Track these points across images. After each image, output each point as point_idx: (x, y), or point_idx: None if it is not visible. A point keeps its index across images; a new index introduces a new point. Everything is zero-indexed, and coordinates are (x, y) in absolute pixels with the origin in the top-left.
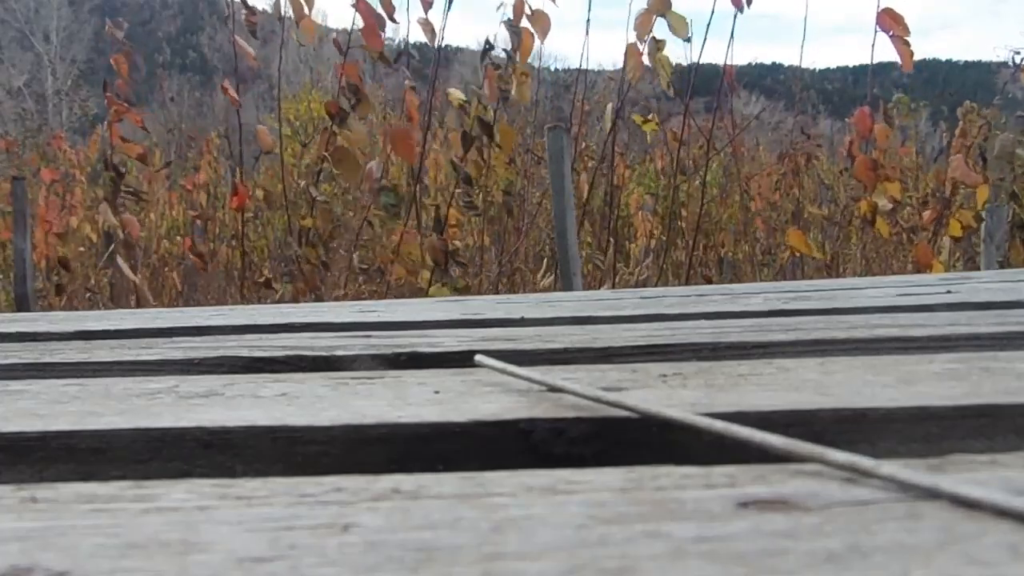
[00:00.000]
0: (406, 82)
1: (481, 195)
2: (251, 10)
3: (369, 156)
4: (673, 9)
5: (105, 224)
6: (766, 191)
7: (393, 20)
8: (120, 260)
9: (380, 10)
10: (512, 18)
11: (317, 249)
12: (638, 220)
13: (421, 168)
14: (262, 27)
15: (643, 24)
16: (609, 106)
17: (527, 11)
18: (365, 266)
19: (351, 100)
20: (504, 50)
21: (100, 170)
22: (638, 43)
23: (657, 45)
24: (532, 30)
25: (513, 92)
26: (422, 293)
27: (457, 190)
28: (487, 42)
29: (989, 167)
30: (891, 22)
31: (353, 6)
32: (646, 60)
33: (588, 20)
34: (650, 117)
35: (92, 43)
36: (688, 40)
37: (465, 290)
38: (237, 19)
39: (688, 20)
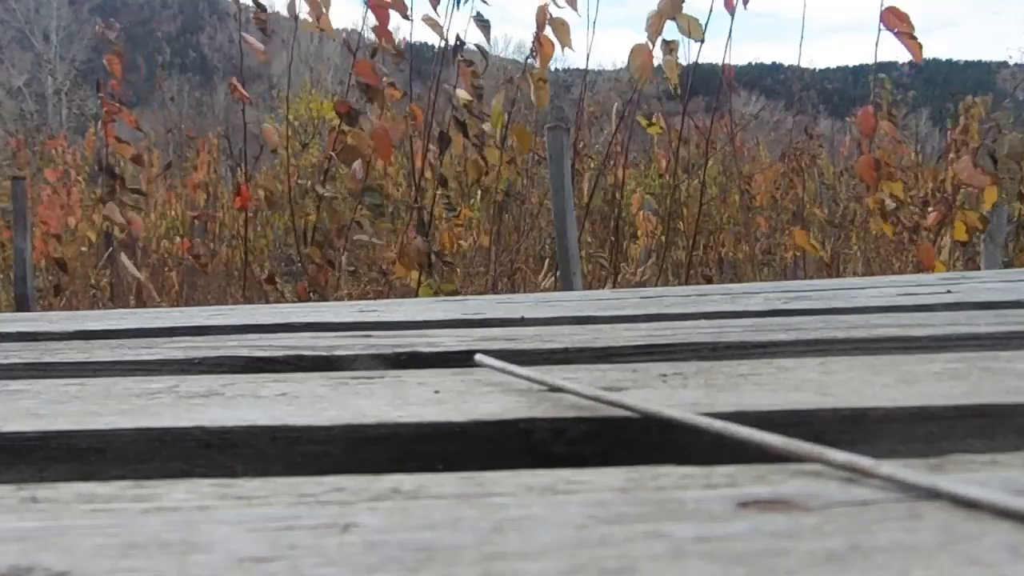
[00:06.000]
0: (410, 106)
1: (480, 195)
2: (260, 7)
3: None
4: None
5: (106, 224)
6: (767, 185)
7: (406, 17)
8: (124, 258)
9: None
10: (536, 27)
11: (322, 248)
12: (640, 220)
13: (423, 169)
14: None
15: (654, 26)
16: (615, 106)
17: (548, 18)
18: (352, 268)
19: (364, 99)
20: (528, 56)
21: (97, 171)
22: (649, 43)
23: (669, 47)
24: (553, 38)
25: (532, 97)
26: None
27: (439, 192)
28: (457, 38)
29: (1000, 168)
30: (895, 20)
31: (365, 3)
32: (658, 60)
33: (594, 22)
34: (654, 120)
35: (92, 43)
36: (701, 42)
37: (454, 292)
38: (245, 17)
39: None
